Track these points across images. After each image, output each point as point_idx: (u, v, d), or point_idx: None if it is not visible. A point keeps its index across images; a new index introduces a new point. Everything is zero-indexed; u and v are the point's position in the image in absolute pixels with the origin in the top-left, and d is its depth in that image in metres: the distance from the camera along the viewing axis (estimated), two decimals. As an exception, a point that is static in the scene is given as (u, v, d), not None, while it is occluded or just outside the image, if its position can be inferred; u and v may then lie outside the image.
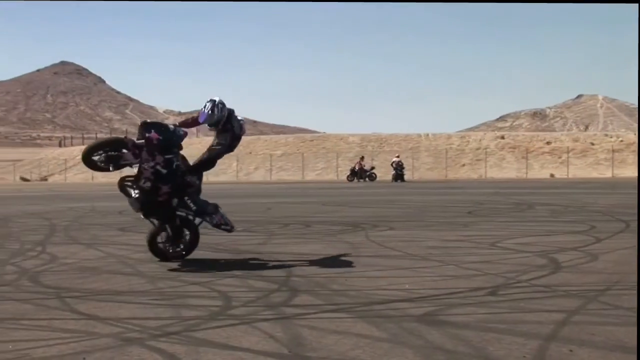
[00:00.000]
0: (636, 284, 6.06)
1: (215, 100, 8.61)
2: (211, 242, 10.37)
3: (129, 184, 8.26)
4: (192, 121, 8.91)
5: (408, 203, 21.30)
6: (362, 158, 54.58)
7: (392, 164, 51.54)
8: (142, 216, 8.47)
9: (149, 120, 8.43)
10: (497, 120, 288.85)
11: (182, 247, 8.54)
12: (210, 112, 8.57)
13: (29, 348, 4.44)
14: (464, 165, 64.53)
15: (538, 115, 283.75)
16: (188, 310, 5.57)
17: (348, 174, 53.47)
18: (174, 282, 6.98)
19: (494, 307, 5.61)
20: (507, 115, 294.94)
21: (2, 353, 4.32)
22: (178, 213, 8.44)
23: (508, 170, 61.53)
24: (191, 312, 5.50)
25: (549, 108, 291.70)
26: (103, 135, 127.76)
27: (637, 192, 21.20)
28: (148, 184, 8.07)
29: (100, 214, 17.61)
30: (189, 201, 8.44)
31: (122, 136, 8.80)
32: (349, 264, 8.10)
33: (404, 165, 52.08)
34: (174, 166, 8.14)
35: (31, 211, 18.99)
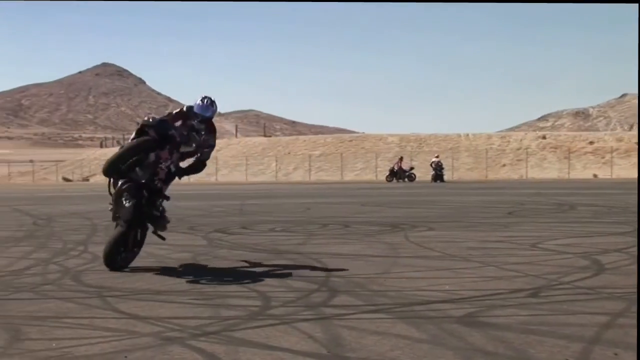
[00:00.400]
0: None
1: (210, 97, 8.11)
2: (250, 243, 10.43)
3: (127, 193, 7.76)
4: (187, 113, 8.16)
5: (448, 203, 21.14)
6: (401, 158, 54.36)
7: (431, 164, 51.27)
8: (121, 223, 7.81)
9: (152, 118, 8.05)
10: (539, 120, 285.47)
11: (135, 252, 8.06)
12: (209, 106, 8.04)
13: (72, 346, 4.49)
14: (504, 165, 63.90)
15: (580, 114, 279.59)
16: (227, 310, 5.59)
17: (387, 174, 53.31)
18: (213, 281, 7.01)
19: (535, 309, 5.53)
20: (549, 114, 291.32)
21: (46, 351, 4.37)
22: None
23: (549, 170, 60.76)
24: (230, 312, 5.51)
25: (592, 107, 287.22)
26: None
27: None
28: (159, 185, 7.90)
29: (141, 214, 17.76)
30: (160, 203, 8.14)
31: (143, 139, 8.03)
32: (388, 265, 8.06)
33: (444, 166, 51.77)
34: (177, 166, 8.03)
35: (73, 211, 19.27)
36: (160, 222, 8.14)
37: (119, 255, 7.81)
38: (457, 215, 16.08)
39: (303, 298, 6.07)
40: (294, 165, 68.14)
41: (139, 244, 8.11)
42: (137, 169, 7.82)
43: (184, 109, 8.19)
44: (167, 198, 8.17)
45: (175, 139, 7.83)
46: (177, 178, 8.22)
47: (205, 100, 8.04)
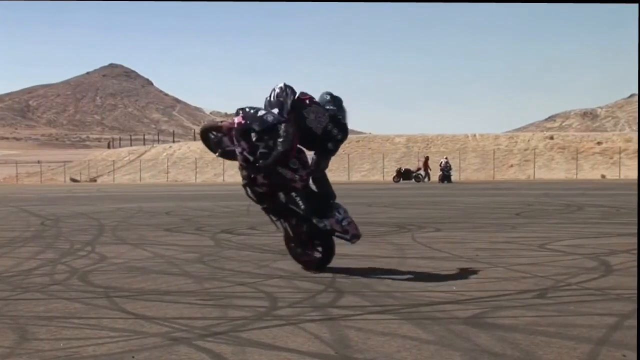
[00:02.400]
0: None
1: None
2: (257, 243, 10.43)
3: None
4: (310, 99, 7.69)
5: (455, 204, 21.11)
6: (427, 158, 54.23)
7: (439, 165, 51.25)
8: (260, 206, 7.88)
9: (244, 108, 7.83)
10: (546, 120, 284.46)
11: (310, 254, 7.79)
12: (264, 117, 7.50)
13: (79, 346, 4.51)
14: (511, 166, 63.79)
15: (588, 115, 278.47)
16: (234, 311, 5.60)
17: (394, 174, 53.28)
18: (220, 282, 7.01)
19: (543, 310, 5.52)
20: (557, 115, 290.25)
21: (53, 351, 4.39)
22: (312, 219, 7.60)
23: (557, 171, 60.62)
24: (238, 313, 5.52)
25: (600, 108, 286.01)
26: (151, 137, 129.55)
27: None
28: (244, 172, 7.66)
29: (147, 215, 17.83)
30: (297, 198, 7.56)
31: (220, 121, 8.39)
32: (395, 266, 8.05)
33: (452, 166, 51.74)
34: (258, 153, 7.50)
35: (81, 211, 19.32)
36: (303, 223, 7.72)
37: (290, 247, 7.97)
38: (465, 216, 16.05)
39: (310, 299, 6.07)
40: (301, 166, 68.14)
41: (303, 242, 7.82)
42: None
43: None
44: (302, 180, 7.66)
45: (232, 125, 7.65)
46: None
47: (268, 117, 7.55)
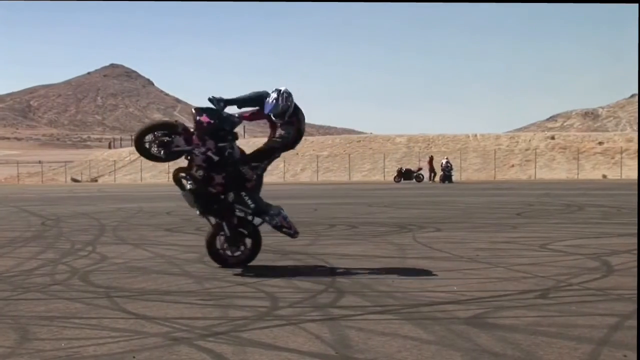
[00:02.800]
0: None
1: (280, 90, 7.74)
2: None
3: (184, 174, 7.81)
4: (257, 112, 7.97)
5: (456, 204, 21.10)
6: (432, 158, 54.19)
7: (440, 165, 51.22)
8: (198, 213, 7.99)
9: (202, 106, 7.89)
10: (548, 120, 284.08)
11: (242, 251, 8.01)
12: (274, 101, 7.69)
13: (80, 346, 4.51)
14: (512, 166, 63.76)
15: (590, 115, 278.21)
16: (235, 311, 5.60)
17: (395, 175, 53.27)
18: (221, 282, 7.01)
19: (544, 310, 5.51)
20: (558, 115, 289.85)
21: (55, 351, 4.39)
22: (237, 213, 7.93)
23: (558, 171, 60.60)
24: (238, 313, 5.52)
25: (602, 108, 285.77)
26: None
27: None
28: (200, 172, 7.65)
29: (148, 215, 17.83)
30: (246, 197, 7.80)
31: (173, 120, 8.19)
32: (395, 266, 8.05)
33: (452, 167, 51.72)
34: (226, 153, 7.65)
35: (81, 211, 19.33)
36: (247, 222, 8.01)
37: (221, 248, 7.99)
38: (465, 216, 16.05)
39: (310, 299, 6.07)
40: (302, 166, 68.16)
41: (235, 240, 7.99)
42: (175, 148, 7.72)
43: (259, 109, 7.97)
44: (254, 181, 7.94)
45: (201, 125, 7.58)
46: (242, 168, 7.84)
47: (270, 99, 7.73)
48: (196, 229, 13.02)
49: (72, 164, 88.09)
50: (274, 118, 7.87)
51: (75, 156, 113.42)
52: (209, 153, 7.58)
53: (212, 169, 7.66)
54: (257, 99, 7.89)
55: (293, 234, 8.05)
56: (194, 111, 7.78)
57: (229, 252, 8.01)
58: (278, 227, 7.94)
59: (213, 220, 8.03)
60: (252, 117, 8.11)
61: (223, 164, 7.66)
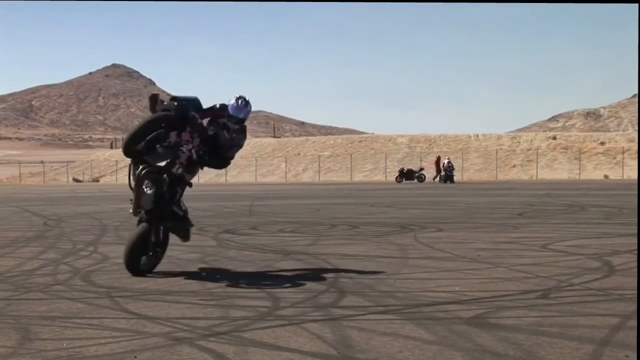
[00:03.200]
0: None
1: (244, 97, 7.59)
2: (259, 243, 10.43)
3: (147, 181, 7.28)
4: (219, 112, 7.62)
5: (457, 204, 21.10)
6: (439, 158, 54.16)
7: (442, 165, 51.23)
8: (144, 217, 7.44)
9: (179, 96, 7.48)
10: (549, 120, 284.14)
11: (158, 256, 7.62)
12: (243, 106, 7.54)
13: (82, 346, 4.51)
14: (514, 166, 63.76)
15: (592, 115, 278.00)
16: (237, 311, 5.59)
17: (396, 175, 53.29)
18: (222, 282, 7.01)
19: (545, 310, 5.51)
20: (560, 115, 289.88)
21: (56, 351, 4.39)
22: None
23: (560, 171, 60.58)
24: (240, 313, 5.51)
25: (603, 108, 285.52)
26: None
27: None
28: (180, 170, 7.33)
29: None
30: (181, 200, 7.62)
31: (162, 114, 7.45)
32: (397, 266, 8.04)
33: (454, 167, 51.73)
34: (200, 153, 7.45)
35: (83, 211, 19.34)
36: (182, 224, 7.63)
37: (144, 255, 7.43)
38: (467, 216, 16.05)
39: (312, 299, 6.07)
40: (304, 166, 68.18)
41: (162, 244, 7.65)
42: (157, 146, 7.32)
43: (217, 106, 7.64)
44: (190, 185, 7.62)
45: (196, 121, 7.33)
46: (199, 169, 7.72)
47: (240, 101, 7.57)
48: (198, 228, 13.00)
49: (74, 164, 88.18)
50: (233, 122, 7.59)
51: (76, 156, 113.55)
52: (193, 151, 7.35)
53: (188, 169, 7.41)
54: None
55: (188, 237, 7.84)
56: (173, 100, 7.43)
57: (158, 256, 7.64)
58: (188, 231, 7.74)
59: (145, 223, 7.47)
60: (214, 117, 7.70)
61: (196, 164, 7.47)
